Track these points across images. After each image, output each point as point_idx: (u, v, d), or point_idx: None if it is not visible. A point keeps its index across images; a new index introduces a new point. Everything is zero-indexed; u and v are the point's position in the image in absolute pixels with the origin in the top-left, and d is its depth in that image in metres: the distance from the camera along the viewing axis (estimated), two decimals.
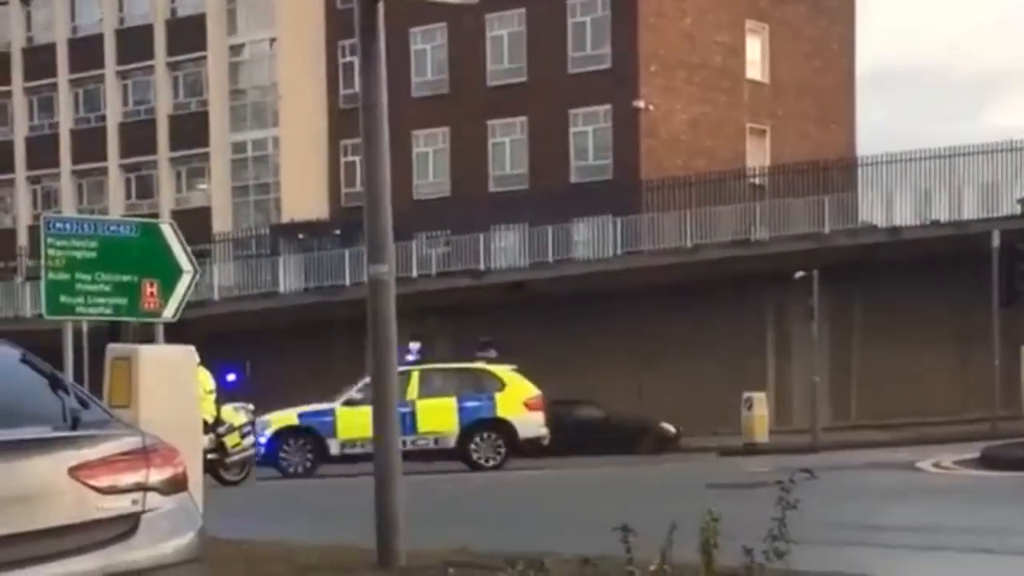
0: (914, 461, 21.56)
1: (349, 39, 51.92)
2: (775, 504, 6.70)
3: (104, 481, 5.25)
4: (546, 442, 27.68)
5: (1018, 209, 40.45)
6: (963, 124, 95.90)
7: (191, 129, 57.10)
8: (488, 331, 42.50)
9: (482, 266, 45.71)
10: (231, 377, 30.42)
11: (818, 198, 42.45)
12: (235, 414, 23.02)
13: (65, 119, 60.61)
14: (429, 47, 51.97)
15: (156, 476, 5.43)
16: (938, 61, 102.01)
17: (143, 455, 5.43)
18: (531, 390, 27.66)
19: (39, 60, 60.59)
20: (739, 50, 51.92)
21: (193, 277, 15.98)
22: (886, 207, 42.62)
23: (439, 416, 26.93)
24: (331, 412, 26.97)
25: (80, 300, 15.45)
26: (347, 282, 46.13)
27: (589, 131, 49.98)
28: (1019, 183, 41.03)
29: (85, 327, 20.27)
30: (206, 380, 20.17)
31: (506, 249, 47.03)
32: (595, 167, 49.54)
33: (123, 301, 15.62)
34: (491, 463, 26.68)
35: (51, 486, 5.14)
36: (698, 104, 50.33)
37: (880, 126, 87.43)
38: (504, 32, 50.86)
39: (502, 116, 50.96)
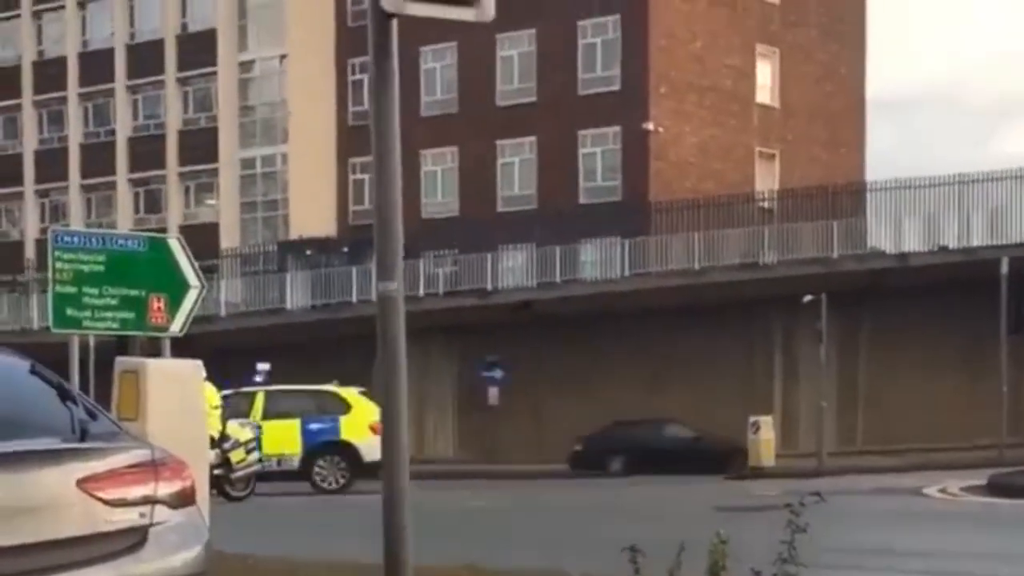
0: (921, 487, 21.51)
1: (359, 57, 52.02)
2: (784, 527, 6.66)
3: (112, 493, 5.23)
4: None
5: None
6: (973, 150, 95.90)
7: (200, 144, 57.18)
8: (495, 350, 42.55)
9: (489, 286, 45.69)
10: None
11: (827, 223, 42.41)
12: (241, 430, 23.03)
13: (74, 133, 60.73)
14: (439, 66, 52.04)
15: (165, 489, 5.41)
16: (948, 87, 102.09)
17: (152, 468, 5.41)
18: (377, 413, 27.32)
19: (49, 73, 60.73)
20: (749, 74, 51.95)
21: (200, 292, 15.97)
22: (895, 233, 42.58)
23: (282, 438, 26.80)
24: None
25: (87, 314, 15.44)
26: (354, 299, 46.14)
27: (598, 152, 50.00)
28: None
29: (92, 341, 20.22)
30: (212, 395, 20.15)
31: (514, 269, 47.01)
32: (604, 188, 49.55)
33: (130, 315, 15.61)
34: (335, 486, 26.53)
35: (59, 498, 5.12)
36: (708, 127, 50.34)
37: (889, 151, 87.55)
38: (514, 52, 50.93)
39: (511, 136, 50.99)
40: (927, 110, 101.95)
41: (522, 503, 22.33)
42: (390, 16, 6.12)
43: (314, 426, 26.93)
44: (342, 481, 26.66)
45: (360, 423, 26.81)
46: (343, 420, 27.07)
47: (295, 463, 26.89)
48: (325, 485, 26.52)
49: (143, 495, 5.32)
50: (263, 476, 25.26)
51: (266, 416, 26.93)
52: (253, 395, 27.68)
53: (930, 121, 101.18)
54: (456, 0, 6.18)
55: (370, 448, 25.86)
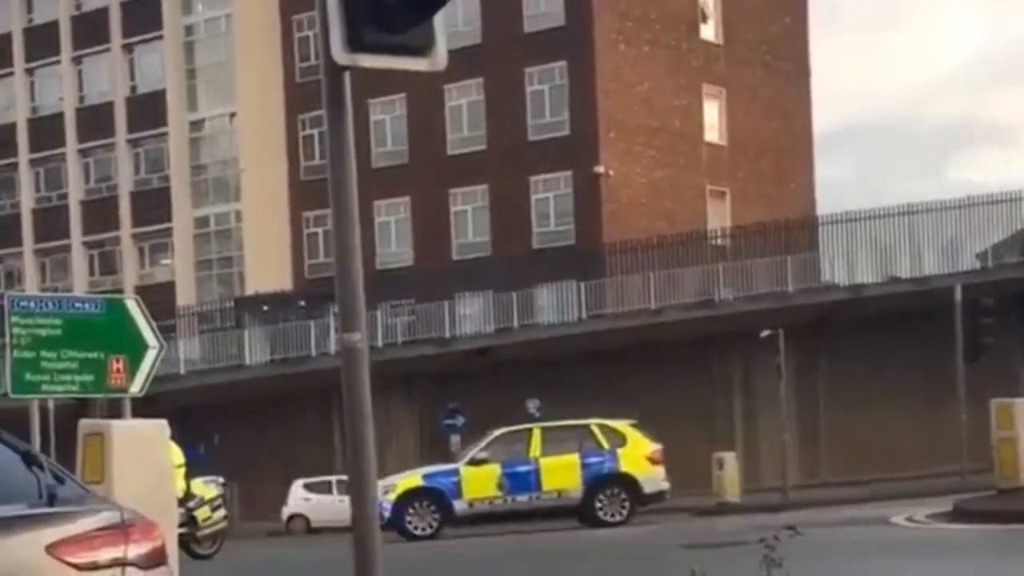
0: (887, 516, 21.55)
1: (309, 112, 52.19)
2: (760, 562, 6.68)
3: (82, 558, 5.18)
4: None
5: (978, 264, 40.80)
6: (927, 180, 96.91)
7: (153, 205, 57.08)
8: (455, 397, 42.49)
9: (447, 333, 45.68)
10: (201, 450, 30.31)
11: (780, 258, 42.68)
12: (205, 487, 22.87)
13: (27, 198, 60.48)
14: (388, 118, 52.18)
15: (135, 551, 5.36)
16: (897, 117, 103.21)
17: (121, 530, 5.37)
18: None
19: None
20: (696, 113, 52.33)
21: (159, 352, 15.95)
22: (848, 265, 42.90)
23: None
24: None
25: (46, 378, 15.38)
26: (313, 352, 46.04)
27: (550, 197, 50.19)
28: (979, 238, 41.40)
29: (51, 405, 20.11)
30: (176, 454, 20.00)
31: (471, 316, 47.02)
32: (557, 232, 49.71)
33: (89, 378, 15.56)
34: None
35: (29, 564, 5.07)
36: (658, 168, 50.64)
37: (842, 184, 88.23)
38: (463, 101, 51.12)
39: (463, 184, 51.11)
40: (878, 141, 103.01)
41: (486, 548, 22.26)
42: (343, 69, 6.15)
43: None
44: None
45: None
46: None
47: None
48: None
49: (114, 558, 5.27)
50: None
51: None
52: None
53: (882, 152, 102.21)
54: (408, 51, 6.21)
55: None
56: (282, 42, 54.63)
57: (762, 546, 6.71)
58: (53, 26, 59.55)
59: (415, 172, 51.53)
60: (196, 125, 57.45)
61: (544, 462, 26.84)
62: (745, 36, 53.51)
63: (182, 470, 21.32)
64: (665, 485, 27.46)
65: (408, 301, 47.59)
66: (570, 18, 49.36)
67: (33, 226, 60.20)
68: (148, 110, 57.03)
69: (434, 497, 26.66)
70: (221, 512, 23.09)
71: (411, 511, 26.62)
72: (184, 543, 20.17)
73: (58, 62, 59.56)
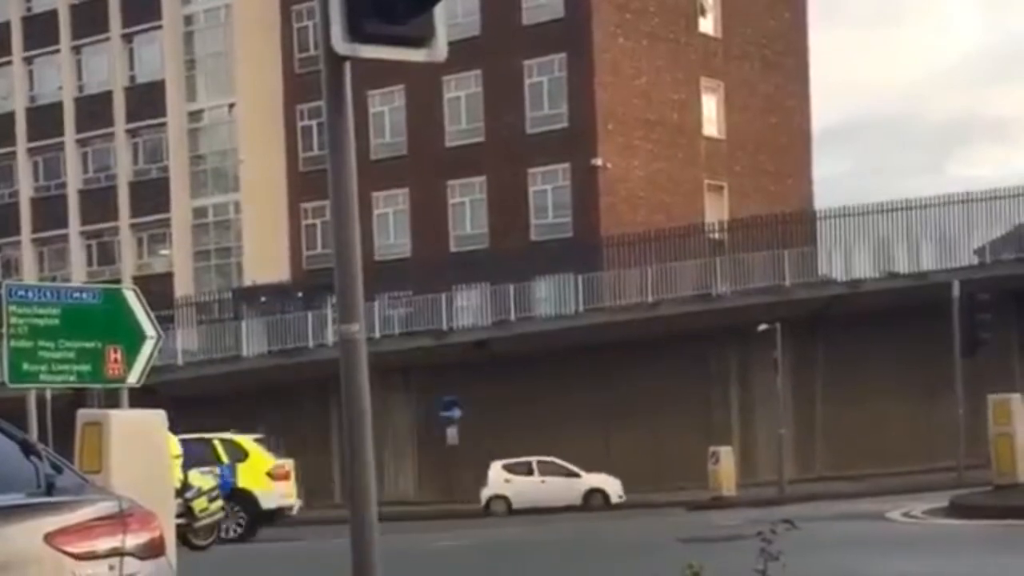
0: (883, 511, 21.57)
1: (308, 103, 52.13)
2: (757, 556, 6.68)
3: (80, 547, 5.17)
4: None
5: (976, 260, 40.82)
6: (925, 177, 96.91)
7: (152, 195, 57.01)
8: (453, 390, 42.50)
9: (445, 325, 45.67)
10: None
11: (777, 252, 42.68)
12: (202, 478, 22.87)
13: (25, 187, 60.41)
14: (387, 109, 52.12)
15: (133, 541, 5.35)
16: (898, 114, 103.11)
17: (120, 520, 5.35)
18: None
19: None
20: (695, 107, 52.29)
21: (157, 342, 15.92)
22: (846, 260, 42.91)
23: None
24: None
25: (44, 368, 15.36)
26: (310, 344, 46.02)
27: (548, 189, 50.15)
28: (976, 233, 41.41)
29: (49, 395, 20.10)
30: (173, 445, 20.00)
31: (468, 308, 47.01)
32: (555, 225, 49.68)
33: (87, 368, 15.54)
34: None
35: (27, 553, 5.05)
36: (656, 161, 50.60)
37: (841, 180, 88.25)
38: (461, 93, 51.08)
39: (461, 176, 51.07)
40: (877, 137, 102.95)
41: (485, 543, 22.25)
42: (343, 59, 6.14)
43: None
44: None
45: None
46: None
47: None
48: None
49: (111, 547, 5.26)
50: None
51: None
52: None
53: (881, 148, 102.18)
54: (408, 41, 6.20)
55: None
56: (281, 32, 54.57)
57: (759, 540, 6.71)
58: (52, 15, 59.46)
59: (413, 164, 51.48)
60: (195, 115, 57.37)
61: None
62: (744, 30, 53.47)
63: (179, 461, 21.32)
64: (288, 502, 27.17)
65: (406, 293, 47.56)
66: (569, 10, 49.32)
67: (31, 215, 60.13)
68: (147, 100, 56.96)
69: None
70: (218, 503, 23.09)
71: None
72: (181, 534, 20.19)
73: (57, 51, 59.47)
